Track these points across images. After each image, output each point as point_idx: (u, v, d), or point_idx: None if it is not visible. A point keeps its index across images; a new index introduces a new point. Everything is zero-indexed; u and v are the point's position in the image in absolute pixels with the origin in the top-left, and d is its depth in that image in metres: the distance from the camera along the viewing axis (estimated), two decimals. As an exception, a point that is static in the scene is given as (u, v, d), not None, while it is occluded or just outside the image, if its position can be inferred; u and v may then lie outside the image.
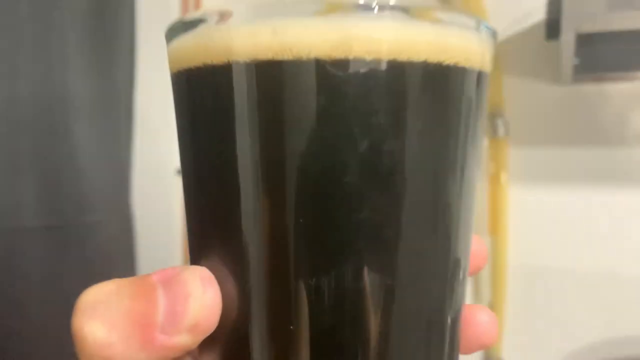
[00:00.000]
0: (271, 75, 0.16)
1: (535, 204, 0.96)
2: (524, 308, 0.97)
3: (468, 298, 0.88)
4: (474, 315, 0.23)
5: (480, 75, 0.19)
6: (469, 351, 0.23)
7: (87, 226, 0.97)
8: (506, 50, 0.96)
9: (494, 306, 0.97)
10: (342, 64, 0.16)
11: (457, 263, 0.20)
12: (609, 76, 0.89)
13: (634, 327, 0.91)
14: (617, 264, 0.92)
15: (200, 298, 0.18)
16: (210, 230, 0.19)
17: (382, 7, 0.16)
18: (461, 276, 0.20)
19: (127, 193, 1.08)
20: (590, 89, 0.92)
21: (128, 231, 1.07)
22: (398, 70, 0.16)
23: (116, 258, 1.04)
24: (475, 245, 0.23)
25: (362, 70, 0.16)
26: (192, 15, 0.18)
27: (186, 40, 0.18)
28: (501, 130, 0.95)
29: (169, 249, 1.14)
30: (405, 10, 0.16)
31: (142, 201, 1.11)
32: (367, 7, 0.16)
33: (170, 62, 0.20)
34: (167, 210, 1.14)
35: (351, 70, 0.16)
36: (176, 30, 0.19)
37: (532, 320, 0.97)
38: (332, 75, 0.16)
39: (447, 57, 0.17)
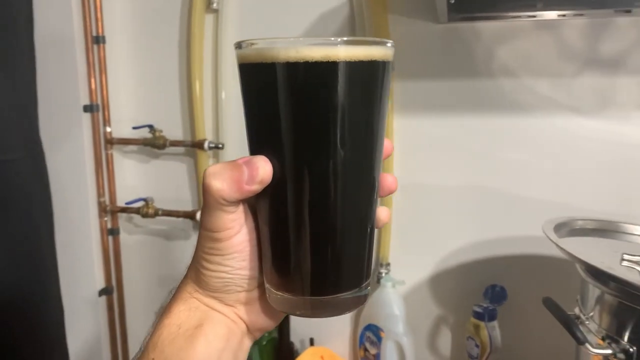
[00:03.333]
0: (294, 68, 0.35)
1: (416, 129, 1.07)
2: (407, 219, 1.11)
3: None
4: (386, 177, 0.42)
5: (387, 63, 0.38)
6: (384, 195, 0.42)
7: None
8: (390, -8, 1.03)
9: None
10: (326, 62, 0.35)
11: (378, 160, 0.40)
12: (479, 15, 0.98)
13: (497, 232, 1.07)
14: (484, 179, 1.06)
15: (263, 168, 0.37)
16: (262, 141, 0.39)
17: (341, 41, 0.35)
18: (377, 168, 0.40)
19: (36, 131, 1.09)
20: (463, 26, 1.02)
21: (40, 168, 1.09)
22: (352, 63, 0.35)
23: (32, 194, 1.06)
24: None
25: (333, 64, 0.35)
26: (257, 40, 0.37)
27: (250, 50, 0.37)
28: (387, 65, 1.03)
29: (80, 182, 1.17)
30: (350, 41, 0.36)
31: (51, 138, 1.13)
32: (335, 41, 0.35)
33: (240, 58, 0.39)
34: (76, 145, 1.15)
35: (329, 64, 0.35)
36: (244, 45, 0.38)
37: (413, 230, 1.11)
38: (323, 67, 0.35)
39: (373, 56, 0.37)
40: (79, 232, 1.18)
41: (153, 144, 1.16)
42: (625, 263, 0.72)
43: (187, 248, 1.25)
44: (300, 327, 1.18)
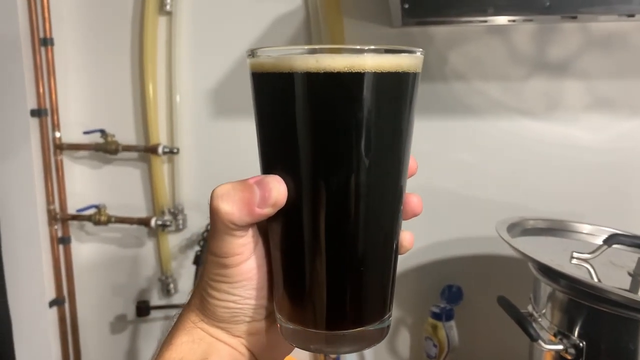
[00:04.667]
0: (313, 78, 0.32)
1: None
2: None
3: None
4: (410, 199, 0.39)
5: (417, 74, 0.35)
6: (408, 218, 0.39)
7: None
8: (345, -4, 1.04)
9: None
10: (350, 73, 0.31)
11: (404, 180, 0.37)
12: (433, 20, 0.99)
13: (452, 233, 1.09)
14: (438, 180, 1.07)
15: (277, 189, 0.34)
16: (276, 158, 0.35)
17: (368, 50, 0.32)
18: (403, 189, 0.37)
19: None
20: (417, 31, 1.04)
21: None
22: (378, 75, 0.32)
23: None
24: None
25: (358, 75, 0.32)
26: (272, 48, 0.33)
27: (265, 59, 0.34)
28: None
29: (28, 188, 1.12)
30: (378, 49, 0.32)
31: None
32: (361, 50, 0.32)
33: (253, 67, 0.35)
34: (24, 151, 1.11)
35: (354, 75, 0.32)
36: (259, 53, 0.34)
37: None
38: (345, 78, 0.31)
39: (401, 67, 0.33)
40: (27, 241, 1.13)
41: (105, 149, 1.13)
42: (574, 261, 0.75)
43: (141, 255, 1.22)
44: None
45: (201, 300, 0.38)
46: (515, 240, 0.76)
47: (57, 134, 1.14)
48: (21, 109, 1.09)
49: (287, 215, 0.35)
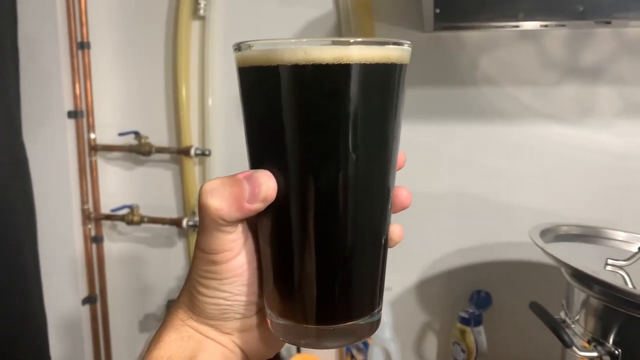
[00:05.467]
0: (302, 71, 0.31)
1: (401, 137, 1.08)
2: (393, 227, 1.11)
3: None
4: (399, 191, 0.38)
5: (404, 66, 0.35)
6: (397, 211, 0.38)
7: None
8: (378, 2, 1.05)
9: None
10: (338, 65, 0.31)
11: (392, 173, 0.36)
12: (463, 25, 0.99)
13: (482, 238, 1.09)
14: (468, 186, 1.07)
15: (267, 184, 0.34)
16: (264, 153, 0.35)
17: (354, 41, 0.32)
18: (392, 177, 0.37)
19: (20, 137, 1.07)
20: (448, 35, 1.04)
21: (24, 174, 1.07)
22: (368, 66, 0.32)
23: (15, 201, 1.04)
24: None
25: (347, 67, 0.31)
26: (261, 40, 0.33)
27: (253, 51, 0.33)
28: (374, 73, 1.04)
29: (64, 188, 1.15)
30: (365, 41, 0.32)
31: (34, 144, 1.11)
32: (347, 41, 0.32)
33: (240, 61, 0.35)
34: (60, 151, 1.13)
35: (343, 67, 0.31)
36: (245, 47, 0.34)
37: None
38: (333, 70, 0.31)
39: (390, 58, 0.33)
40: (62, 240, 1.16)
41: (138, 150, 1.15)
42: (609, 268, 0.74)
43: (172, 255, 1.24)
44: (287, 334, 1.18)
45: (190, 298, 0.38)
46: (548, 246, 0.76)
47: (92, 135, 1.17)
48: (59, 110, 1.12)
49: (276, 210, 0.35)
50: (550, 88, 1.01)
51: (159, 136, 1.18)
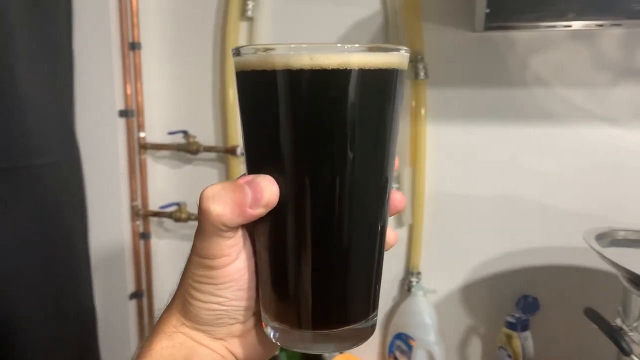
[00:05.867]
0: (308, 74, 0.32)
1: (449, 138, 1.07)
2: (438, 228, 1.10)
3: (392, 222, 0.99)
4: (394, 195, 0.38)
5: (401, 72, 0.35)
6: (391, 214, 0.39)
7: (35, 168, 1.00)
8: (427, 1, 1.04)
9: (414, 228, 1.10)
10: (341, 70, 0.32)
11: (391, 179, 0.37)
12: (514, 25, 0.98)
13: (529, 242, 1.07)
14: (517, 189, 1.05)
15: (269, 189, 0.33)
16: (265, 158, 0.35)
17: (356, 48, 0.32)
18: (389, 182, 0.37)
19: (73, 135, 1.10)
20: (497, 35, 1.02)
21: (76, 171, 1.11)
22: (364, 71, 0.32)
23: (68, 197, 1.08)
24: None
25: (346, 72, 0.32)
26: (265, 45, 0.33)
27: (257, 56, 0.33)
28: (421, 74, 1.03)
29: (114, 185, 1.18)
30: (366, 47, 0.33)
31: (87, 142, 1.14)
32: (352, 48, 0.32)
33: (241, 66, 0.35)
34: (112, 149, 1.16)
35: (344, 71, 0.32)
36: (250, 51, 0.34)
37: (445, 238, 1.11)
38: (337, 74, 0.32)
39: (389, 65, 0.34)
40: (111, 236, 1.19)
41: (186, 149, 1.17)
42: (669, 274, 0.72)
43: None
44: (329, 334, 1.18)
45: (183, 303, 0.37)
46: (606, 251, 0.74)
47: (142, 134, 1.19)
48: (110, 109, 1.14)
49: (275, 215, 0.34)
50: (604, 89, 0.99)
51: (206, 135, 1.20)
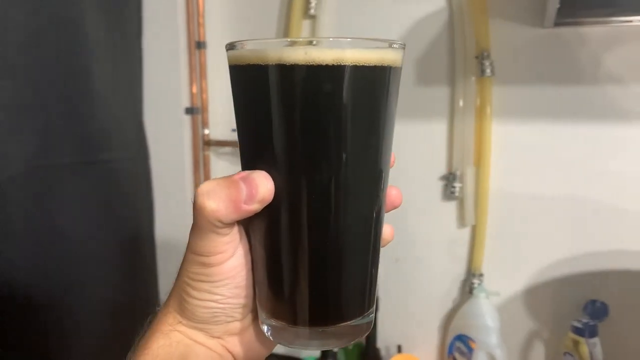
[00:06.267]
0: (300, 69, 0.31)
1: (515, 136, 1.04)
2: (502, 229, 1.08)
3: (454, 222, 0.98)
4: (390, 191, 0.38)
5: (394, 69, 0.34)
6: (387, 210, 0.38)
7: (109, 162, 1.04)
8: (494, -3, 1.02)
9: (477, 228, 1.08)
10: (335, 66, 0.31)
11: (387, 175, 0.36)
12: (586, 20, 0.95)
13: (598, 245, 1.03)
14: (587, 190, 1.02)
15: (264, 185, 0.33)
16: (260, 154, 0.35)
17: (348, 41, 0.31)
18: (384, 177, 0.36)
19: (142, 131, 1.14)
20: (567, 31, 0.99)
21: (145, 167, 1.14)
22: (356, 68, 0.32)
23: (136, 192, 1.11)
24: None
25: (338, 68, 0.31)
26: (258, 40, 0.32)
27: (250, 51, 0.33)
28: (488, 71, 1.01)
29: (180, 182, 1.21)
30: (357, 41, 0.32)
31: (154, 139, 1.18)
32: (343, 42, 0.32)
33: (235, 60, 0.34)
34: (178, 146, 1.19)
35: (338, 67, 0.31)
36: (236, 46, 0.33)
37: (508, 239, 1.08)
38: (330, 70, 0.31)
39: (388, 60, 0.33)
40: (176, 230, 1.22)
41: (249, 146, 1.19)
42: None
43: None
44: (388, 333, 1.18)
45: (179, 301, 0.37)
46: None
47: (206, 131, 1.22)
48: (177, 107, 1.18)
49: (270, 211, 0.34)
50: (683, 87, 0.94)
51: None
